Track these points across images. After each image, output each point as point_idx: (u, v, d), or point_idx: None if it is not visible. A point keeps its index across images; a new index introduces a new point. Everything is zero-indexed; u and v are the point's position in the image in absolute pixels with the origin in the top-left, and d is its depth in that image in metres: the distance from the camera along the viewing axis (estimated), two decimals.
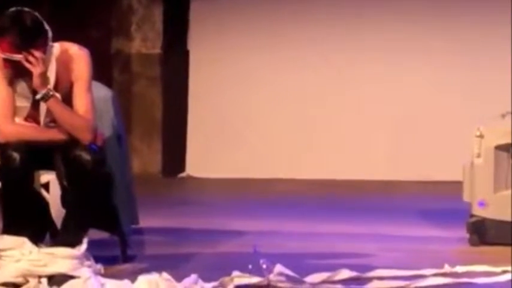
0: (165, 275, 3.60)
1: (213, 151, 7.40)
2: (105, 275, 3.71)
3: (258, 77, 7.39)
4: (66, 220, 3.71)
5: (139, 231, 4.58)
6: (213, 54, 7.44)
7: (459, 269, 3.96)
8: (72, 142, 3.70)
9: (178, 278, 3.62)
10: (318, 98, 7.29)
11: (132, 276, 3.64)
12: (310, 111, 7.30)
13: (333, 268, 3.81)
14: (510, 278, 3.86)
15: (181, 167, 7.47)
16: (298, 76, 7.33)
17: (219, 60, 7.43)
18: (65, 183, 3.73)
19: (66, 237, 3.68)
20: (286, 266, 3.71)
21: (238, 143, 7.36)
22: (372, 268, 3.89)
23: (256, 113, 7.39)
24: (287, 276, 3.68)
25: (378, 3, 7.22)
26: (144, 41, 7.50)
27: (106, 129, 3.97)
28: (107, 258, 3.98)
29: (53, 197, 3.84)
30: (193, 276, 3.64)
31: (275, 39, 7.35)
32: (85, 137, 3.69)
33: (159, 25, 7.49)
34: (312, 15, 7.30)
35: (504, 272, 3.93)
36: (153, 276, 3.58)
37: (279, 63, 7.35)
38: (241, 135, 7.37)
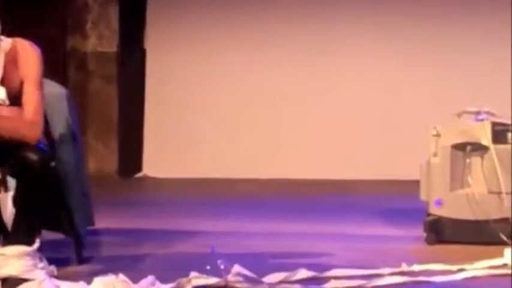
0: (121, 276, 3.56)
1: (170, 151, 7.35)
2: (60, 277, 3.66)
3: (216, 76, 7.37)
4: (16, 221, 3.65)
5: (95, 232, 4.53)
6: (170, 53, 7.40)
7: (416, 267, 3.98)
8: (20, 141, 3.63)
9: (135, 279, 3.58)
10: (277, 97, 7.29)
11: (88, 278, 3.59)
12: (270, 111, 7.29)
13: (292, 268, 3.81)
14: (466, 276, 3.89)
15: (138, 167, 7.42)
16: (258, 75, 7.32)
17: (176, 59, 7.39)
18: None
19: (17, 238, 3.62)
20: (245, 266, 3.70)
21: (196, 143, 7.33)
22: (329, 267, 3.89)
23: (214, 112, 7.36)
24: (245, 276, 3.67)
25: (347, 2, 7.23)
26: (99, 39, 7.44)
27: (60, 129, 3.91)
28: (62, 260, 3.93)
29: (4, 197, 3.77)
30: (150, 278, 3.60)
31: (234, 38, 7.33)
32: (31, 139, 3.62)
33: (115, 23, 7.42)
34: (272, 14, 7.29)
35: (460, 270, 3.96)
36: (109, 278, 3.54)
37: (237, 62, 7.33)
38: (200, 135, 7.34)
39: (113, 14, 7.42)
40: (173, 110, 7.39)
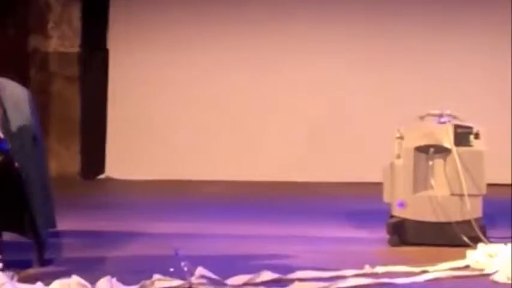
0: (78, 279, 3.53)
1: (133, 152, 7.31)
2: (21, 280, 3.62)
3: (181, 78, 7.34)
4: None
5: (57, 235, 4.48)
6: (134, 54, 7.35)
7: (379, 269, 3.99)
8: None
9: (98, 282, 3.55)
10: (241, 99, 7.28)
11: (49, 280, 3.55)
12: (236, 113, 7.28)
13: (256, 270, 3.80)
14: (429, 277, 3.91)
15: (101, 169, 7.36)
16: (220, 77, 7.31)
17: (139, 60, 7.35)
18: None
19: None
20: (209, 268, 3.68)
21: (159, 144, 7.29)
22: (293, 269, 3.90)
23: (177, 114, 7.33)
24: (209, 278, 3.66)
25: (297, 5, 7.24)
26: (61, 39, 7.37)
27: (21, 130, 3.87)
28: (23, 262, 3.88)
29: None
30: (108, 278, 3.57)
31: (196, 40, 7.31)
32: None
33: (77, 23, 7.36)
34: (233, 18, 7.29)
35: (423, 272, 3.98)
36: (67, 281, 3.50)
37: (201, 64, 7.31)
38: (163, 136, 7.30)
39: (75, 14, 7.36)
40: (136, 112, 7.35)
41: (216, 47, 7.29)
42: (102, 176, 7.34)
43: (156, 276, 3.66)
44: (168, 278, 3.66)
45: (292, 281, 3.75)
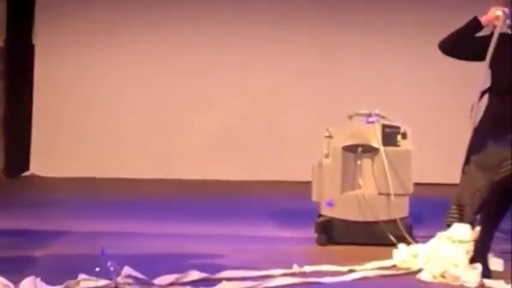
0: (1, 278, 3.45)
1: (59, 149, 7.19)
2: None
3: (107, 74, 7.25)
4: None
5: None
6: (60, 50, 7.24)
7: (307, 268, 4.01)
8: None
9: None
10: (177, 98, 7.23)
11: None
12: (168, 111, 7.22)
13: (184, 269, 3.78)
14: (356, 277, 3.94)
15: (25, 166, 7.23)
16: (148, 76, 7.25)
17: (66, 55, 7.24)
18: None
19: None
20: (136, 268, 3.64)
21: (85, 141, 7.19)
22: (221, 269, 3.88)
23: (104, 111, 7.24)
24: (135, 278, 3.62)
25: (226, 5, 7.24)
26: None
27: None
28: None
29: None
30: (32, 278, 3.50)
31: (124, 36, 7.24)
32: None
33: (2, 17, 7.22)
34: (163, 16, 7.24)
35: (350, 271, 4.01)
36: None
37: (128, 62, 7.24)
38: (89, 134, 7.21)
39: (1, 7, 7.22)
40: (63, 108, 7.24)
41: (142, 47, 7.22)
42: (26, 174, 7.21)
43: (81, 276, 3.60)
44: (93, 277, 3.61)
45: (219, 280, 3.74)
